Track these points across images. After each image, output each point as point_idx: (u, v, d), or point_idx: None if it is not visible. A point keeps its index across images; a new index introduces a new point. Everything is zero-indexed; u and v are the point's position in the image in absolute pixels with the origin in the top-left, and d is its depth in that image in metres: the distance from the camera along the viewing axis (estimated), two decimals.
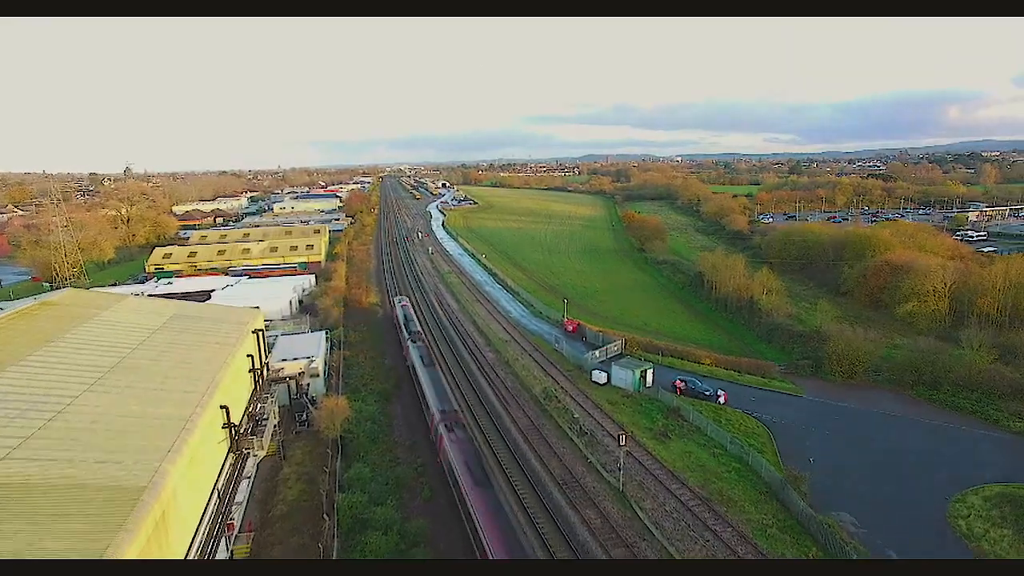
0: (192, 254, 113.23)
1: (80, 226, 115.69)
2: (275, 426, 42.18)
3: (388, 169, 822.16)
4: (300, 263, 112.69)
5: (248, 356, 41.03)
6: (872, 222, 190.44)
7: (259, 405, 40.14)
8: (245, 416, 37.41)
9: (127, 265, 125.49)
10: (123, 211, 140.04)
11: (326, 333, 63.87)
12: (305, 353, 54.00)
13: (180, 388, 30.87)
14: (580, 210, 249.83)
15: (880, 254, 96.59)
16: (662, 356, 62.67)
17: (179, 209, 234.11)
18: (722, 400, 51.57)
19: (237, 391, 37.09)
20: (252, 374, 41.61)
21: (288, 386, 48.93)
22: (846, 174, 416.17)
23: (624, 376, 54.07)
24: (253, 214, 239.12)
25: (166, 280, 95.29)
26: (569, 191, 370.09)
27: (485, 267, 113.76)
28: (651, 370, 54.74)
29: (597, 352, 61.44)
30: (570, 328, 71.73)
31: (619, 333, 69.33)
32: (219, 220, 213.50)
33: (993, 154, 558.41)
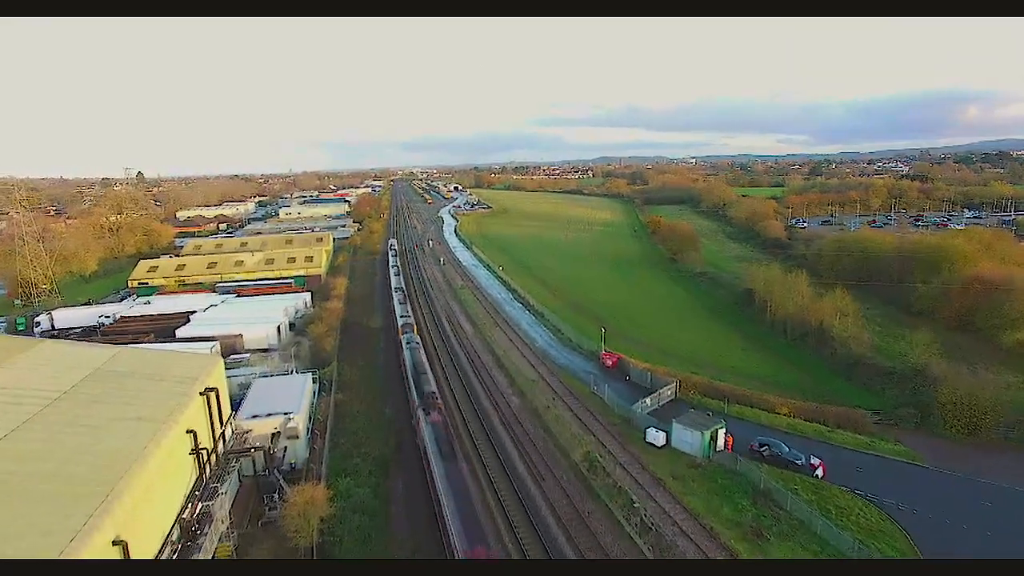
0: (180, 267, 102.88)
1: (59, 235, 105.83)
2: (228, 527, 30.86)
3: (400, 172, 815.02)
4: (297, 277, 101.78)
5: (189, 432, 29.68)
6: (917, 226, 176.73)
7: (200, 504, 28.74)
8: (175, 529, 26.04)
9: (114, 278, 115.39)
10: (112, 219, 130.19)
11: (313, 375, 52.53)
12: (283, 406, 42.61)
13: (40, 525, 19.48)
14: (599, 214, 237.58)
15: (959, 267, 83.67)
16: (727, 403, 50.53)
17: (182, 214, 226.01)
18: (820, 473, 39.36)
19: (161, 494, 25.69)
20: (196, 457, 30.27)
21: (253, 458, 37.40)
22: (867, 175, 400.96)
23: (689, 439, 42.01)
24: (259, 219, 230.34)
25: (144, 299, 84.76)
26: (585, 194, 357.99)
27: (502, 281, 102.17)
28: (723, 429, 42.63)
29: (648, 400, 49.41)
30: (609, 363, 59.75)
31: (668, 371, 57.20)
32: (222, 226, 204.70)
33: (1020, 153, 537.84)
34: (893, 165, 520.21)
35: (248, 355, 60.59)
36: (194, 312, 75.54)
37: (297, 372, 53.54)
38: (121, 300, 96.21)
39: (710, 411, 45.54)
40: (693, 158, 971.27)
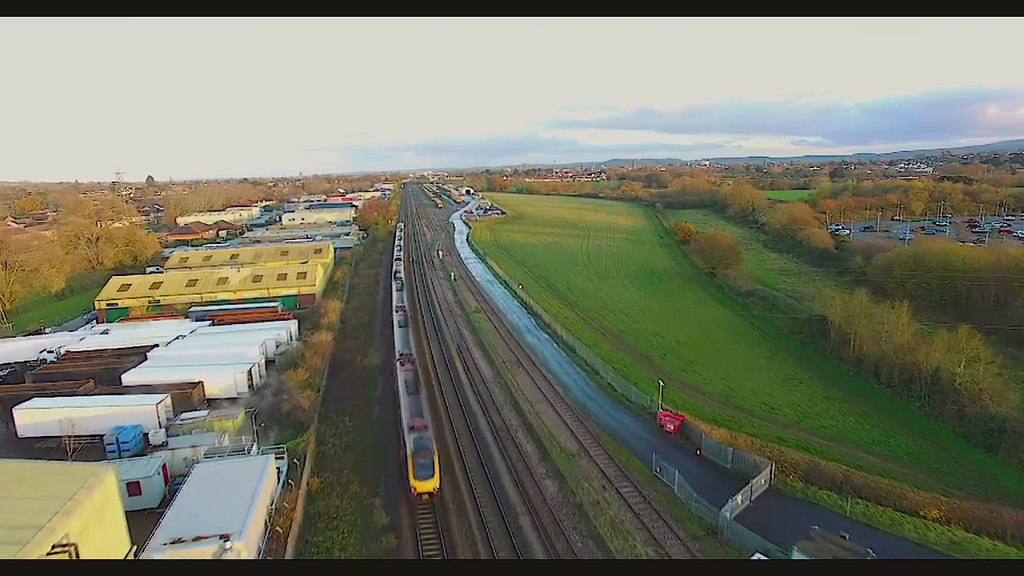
0: (155, 285, 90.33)
1: (20, 248, 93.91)
2: None
3: (411, 175, 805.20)
4: (288, 297, 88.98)
5: None
6: (977, 233, 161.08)
7: None
8: None
9: (89, 295, 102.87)
10: (93, 228, 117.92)
11: (278, 454, 39.11)
12: (222, 518, 29.24)
13: None
14: (619, 220, 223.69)
15: None
16: (844, 496, 36.48)
17: (182, 220, 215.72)
18: None
19: None
20: None
21: None
22: (891, 176, 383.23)
23: None
24: (261, 225, 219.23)
25: (102, 327, 72.06)
26: (601, 198, 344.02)
27: (522, 302, 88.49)
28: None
29: (739, 497, 35.45)
30: (670, 427, 45.85)
31: (751, 441, 43.31)
32: (222, 233, 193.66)
33: None
34: (917, 166, 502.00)
35: (206, 412, 47.39)
36: (156, 346, 62.81)
37: (258, 446, 40.26)
38: (86, 324, 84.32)
39: (844, 533, 31.11)
40: (707, 160, 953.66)
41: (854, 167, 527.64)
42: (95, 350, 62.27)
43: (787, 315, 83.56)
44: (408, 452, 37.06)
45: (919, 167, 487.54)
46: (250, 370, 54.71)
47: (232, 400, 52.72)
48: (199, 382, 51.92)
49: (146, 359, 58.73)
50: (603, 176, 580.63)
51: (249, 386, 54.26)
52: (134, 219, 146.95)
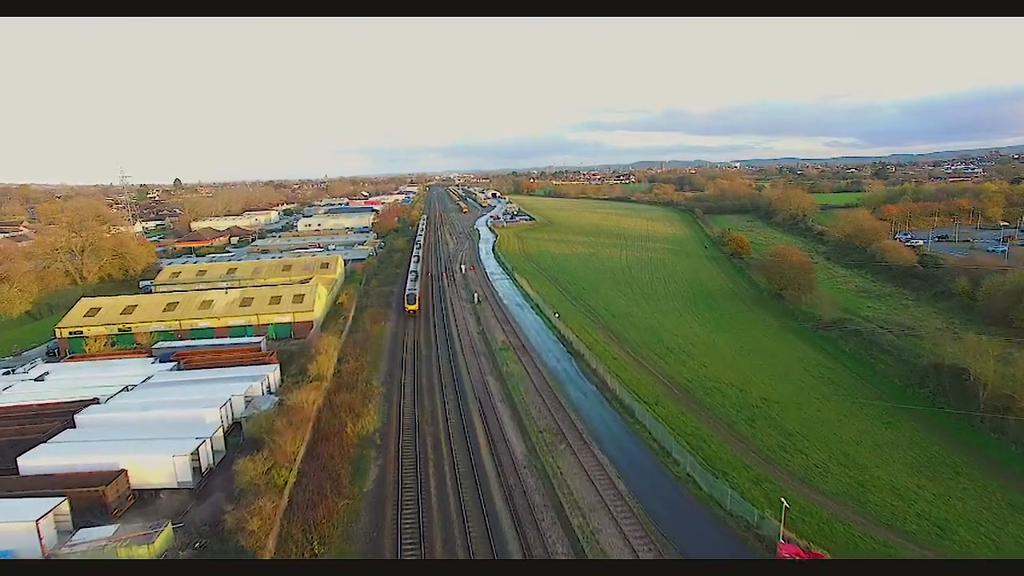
0: (128, 309, 77.20)
1: None
2: None
3: (437, 177, 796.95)
4: (280, 325, 75.04)
5: None
6: None
7: None
8: None
9: (57, 318, 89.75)
10: (73, 240, 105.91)
11: None
12: None
13: None
14: (657, 227, 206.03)
15: None
16: None
17: (196, 226, 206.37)
18: None
19: None
20: None
21: None
22: (936, 178, 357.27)
23: None
24: (278, 231, 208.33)
25: (40, 371, 58.33)
26: (633, 201, 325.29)
27: (560, 335, 72.74)
28: None
29: None
30: None
31: None
32: (234, 240, 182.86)
33: None
34: (963, 167, 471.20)
35: (113, 530, 32.81)
36: (95, 401, 49.04)
37: None
38: (47, 354, 71.85)
39: None
40: (737, 162, 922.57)
41: (894, 168, 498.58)
42: (13, 407, 48.55)
43: (894, 358, 66.03)
44: (405, 295, 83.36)
45: (967, 168, 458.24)
46: (198, 449, 40.12)
47: (172, 491, 38.43)
48: (122, 471, 37.54)
49: (73, 425, 44.93)
50: (632, 178, 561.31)
51: (195, 470, 39.81)
52: (123, 228, 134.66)
